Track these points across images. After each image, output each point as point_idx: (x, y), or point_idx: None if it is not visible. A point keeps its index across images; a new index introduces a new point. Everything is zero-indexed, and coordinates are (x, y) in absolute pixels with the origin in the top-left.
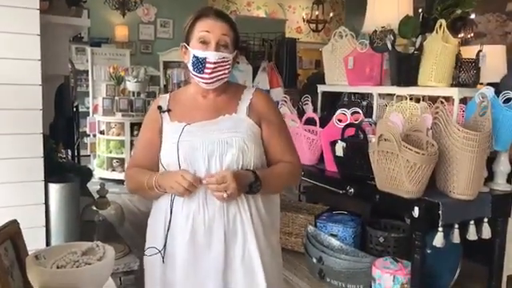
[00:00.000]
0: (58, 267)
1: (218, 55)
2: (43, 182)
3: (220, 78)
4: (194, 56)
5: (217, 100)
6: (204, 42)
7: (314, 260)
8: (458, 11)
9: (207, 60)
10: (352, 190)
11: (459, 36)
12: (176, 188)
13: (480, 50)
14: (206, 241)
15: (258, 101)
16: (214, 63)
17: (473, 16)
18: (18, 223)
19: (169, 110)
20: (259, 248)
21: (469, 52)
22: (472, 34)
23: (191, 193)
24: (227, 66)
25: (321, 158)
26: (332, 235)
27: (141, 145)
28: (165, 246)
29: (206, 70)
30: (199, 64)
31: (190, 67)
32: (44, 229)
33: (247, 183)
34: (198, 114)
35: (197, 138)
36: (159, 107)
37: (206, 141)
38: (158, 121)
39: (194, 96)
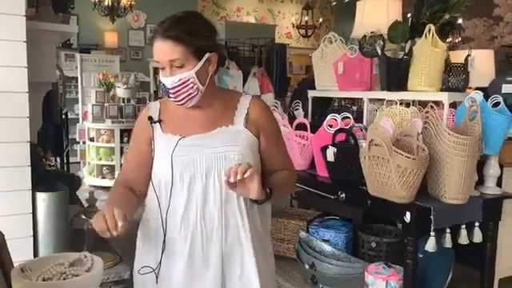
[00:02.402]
0: (44, 280)
1: (172, 80)
2: (30, 191)
3: (188, 98)
4: (159, 81)
5: (211, 110)
6: (162, 69)
7: (307, 266)
8: (447, 16)
9: (167, 86)
10: (343, 195)
11: (447, 41)
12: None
13: (469, 55)
14: (204, 262)
15: (255, 111)
16: (173, 88)
17: (460, 21)
18: (3, 234)
19: (160, 121)
20: (257, 264)
21: (457, 57)
22: (459, 39)
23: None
24: (190, 85)
25: (312, 164)
26: (324, 241)
27: (130, 157)
28: (160, 264)
29: (170, 95)
30: (164, 89)
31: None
32: (32, 239)
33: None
34: (193, 126)
35: (193, 153)
36: (150, 117)
37: (203, 156)
38: (148, 131)
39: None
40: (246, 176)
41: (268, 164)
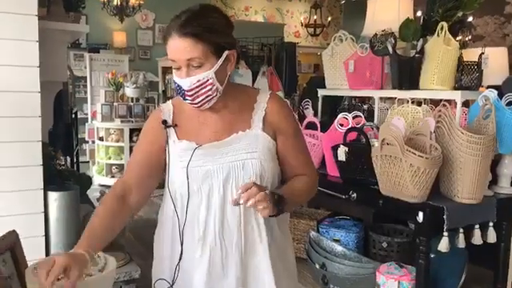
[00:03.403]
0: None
1: (190, 81)
2: (42, 191)
3: (206, 100)
4: (174, 81)
5: (227, 112)
6: (177, 68)
7: (317, 266)
8: (460, 14)
9: (183, 88)
10: (355, 194)
11: (457, 39)
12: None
13: (482, 53)
14: (224, 274)
15: (272, 111)
16: (190, 90)
17: (470, 19)
18: (17, 234)
19: (175, 126)
20: (274, 274)
21: (469, 55)
22: (469, 37)
23: None
24: (209, 86)
25: (322, 163)
26: (335, 240)
27: (136, 160)
28: (175, 278)
29: (186, 97)
30: (179, 90)
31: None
32: (43, 238)
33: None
34: (209, 132)
35: (209, 163)
36: (164, 121)
37: (220, 165)
38: (161, 136)
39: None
40: (259, 208)
41: (285, 165)
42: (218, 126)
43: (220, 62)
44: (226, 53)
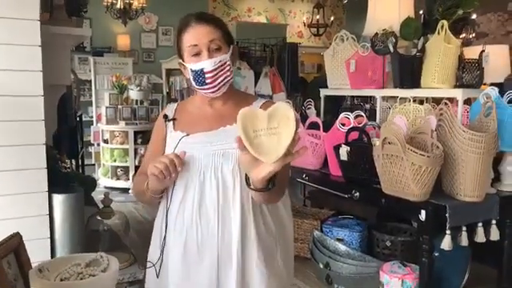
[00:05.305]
0: (61, 280)
1: (214, 61)
2: (47, 193)
3: (224, 81)
4: (192, 70)
5: (222, 109)
6: (196, 55)
7: (321, 265)
8: (460, 12)
9: (205, 70)
10: (357, 193)
11: (460, 37)
12: (152, 171)
13: (483, 50)
14: (199, 256)
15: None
16: (213, 70)
17: (474, 16)
18: (21, 236)
19: (174, 119)
20: (258, 271)
21: (472, 52)
22: (473, 34)
23: (169, 178)
24: (227, 68)
25: (325, 163)
26: (338, 240)
27: (148, 153)
28: (160, 260)
29: (207, 81)
30: (198, 76)
31: (192, 82)
32: (49, 240)
33: None
34: (202, 125)
35: (195, 150)
36: (165, 116)
37: (202, 153)
38: (163, 130)
39: (200, 105)
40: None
41: None
42: (211, 120)
43: (231, 50)
44: (232, 46)
